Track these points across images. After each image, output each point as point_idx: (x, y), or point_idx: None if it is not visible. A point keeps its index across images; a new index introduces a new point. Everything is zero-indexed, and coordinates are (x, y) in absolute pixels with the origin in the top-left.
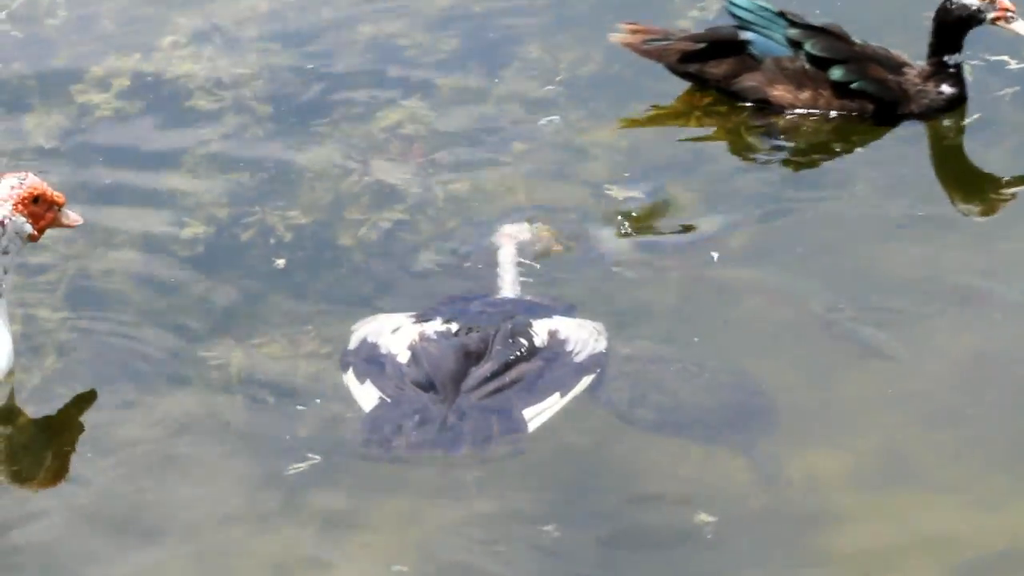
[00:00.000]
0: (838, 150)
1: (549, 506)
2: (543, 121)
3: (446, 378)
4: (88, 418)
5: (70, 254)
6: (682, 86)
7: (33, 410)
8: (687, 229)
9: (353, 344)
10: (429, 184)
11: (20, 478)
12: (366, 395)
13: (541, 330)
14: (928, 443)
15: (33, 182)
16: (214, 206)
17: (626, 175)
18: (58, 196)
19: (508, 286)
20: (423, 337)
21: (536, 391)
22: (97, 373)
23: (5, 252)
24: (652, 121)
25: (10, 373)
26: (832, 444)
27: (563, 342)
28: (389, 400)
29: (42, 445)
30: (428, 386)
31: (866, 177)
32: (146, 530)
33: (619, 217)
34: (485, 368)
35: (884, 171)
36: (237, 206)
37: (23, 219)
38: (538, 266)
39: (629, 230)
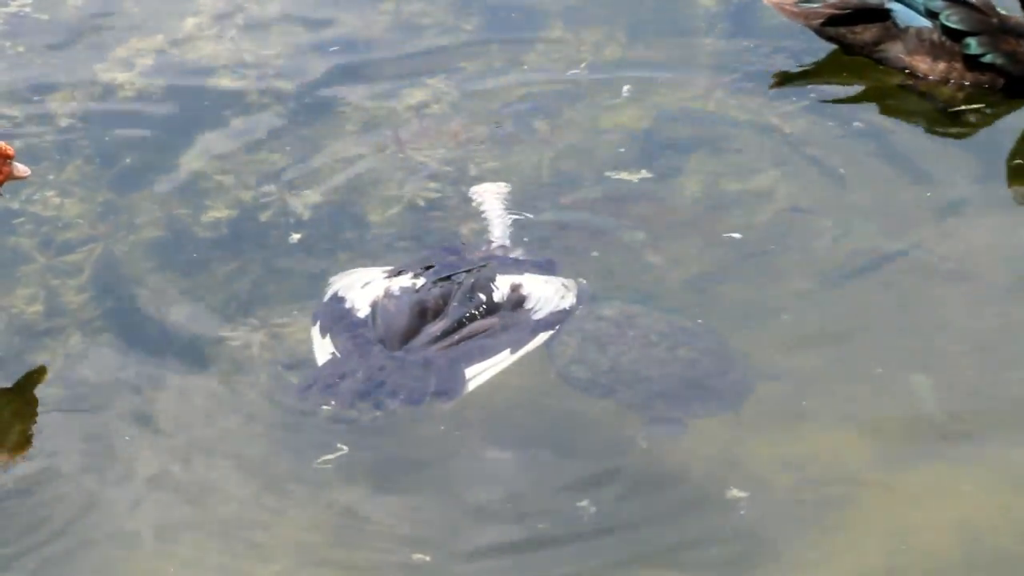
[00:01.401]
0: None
1: (582, 482)
2: (566, 97)
3: (396, 335)
4: (115, 400)
5: (96, 235)
6: (710, 71)
7: (56, 392)
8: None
9: (326, 297)
10: (454, 163)
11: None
12: (322, 349)
13: (503, 286)
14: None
15: None
16: (237, 188)
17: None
18: (10, 149)
19: (498, 236)
20: (387, 293)
21: (485, 349)
22: (122, 354)
23: None
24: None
25: None
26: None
27: (524, 299)
28: (339, 355)
29: (65, 425)
30: (378, 342)
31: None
32: (172, 514)
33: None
34: (438, 326)
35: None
36: (260, 187)
37: None
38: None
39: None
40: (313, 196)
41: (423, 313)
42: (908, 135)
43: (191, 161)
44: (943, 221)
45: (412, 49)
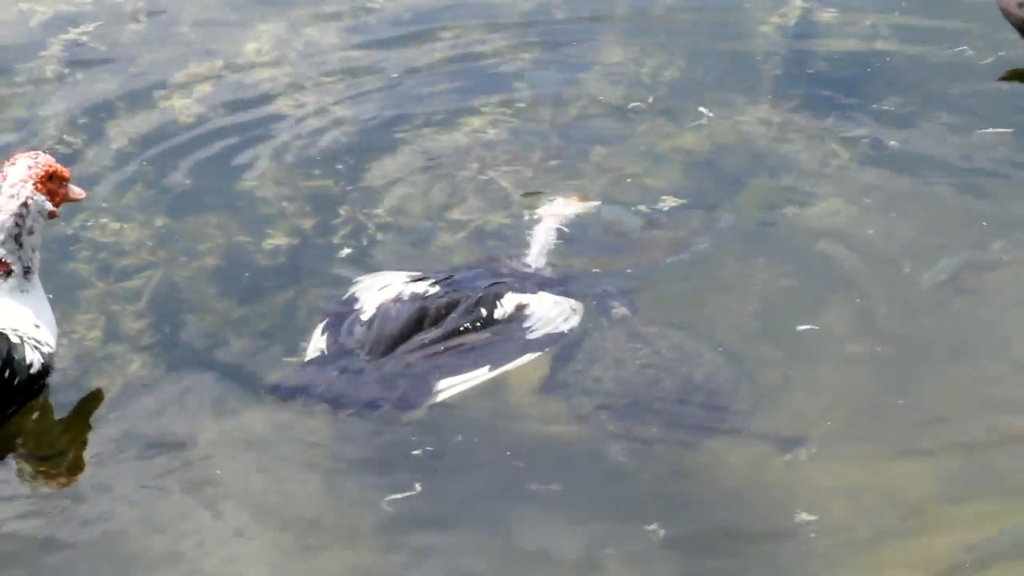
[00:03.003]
0: None
1: (650, 508)
2: (629, 118)
3: (384, 340)
4: (173, 427)
5: (154, 261)
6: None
7: (115, 415)
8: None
9: (345, 296)
10: (509, 187)
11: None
12: (314, 347)
13: (509, 303)
14: None
15: (46, 159)
16: (296, 215)
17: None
18: (65, 171)
19: (534, 256)
20: (396, 298)
21: (466, 363)
22: (180, 381)
23: (31, 232)
24: None
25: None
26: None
27: (524, 317)
28: (325, 354)
29: (121, 451)
30: (363, 346)
31: None
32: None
33: None
34: (430, 334)
35: None
36: (319, 214)
37: (43, 197)
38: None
39: None
40: (372, 222)
41: (420, 321)
42: None
43: (250, 187)
44: (1003, 237)
45: (470, 75)
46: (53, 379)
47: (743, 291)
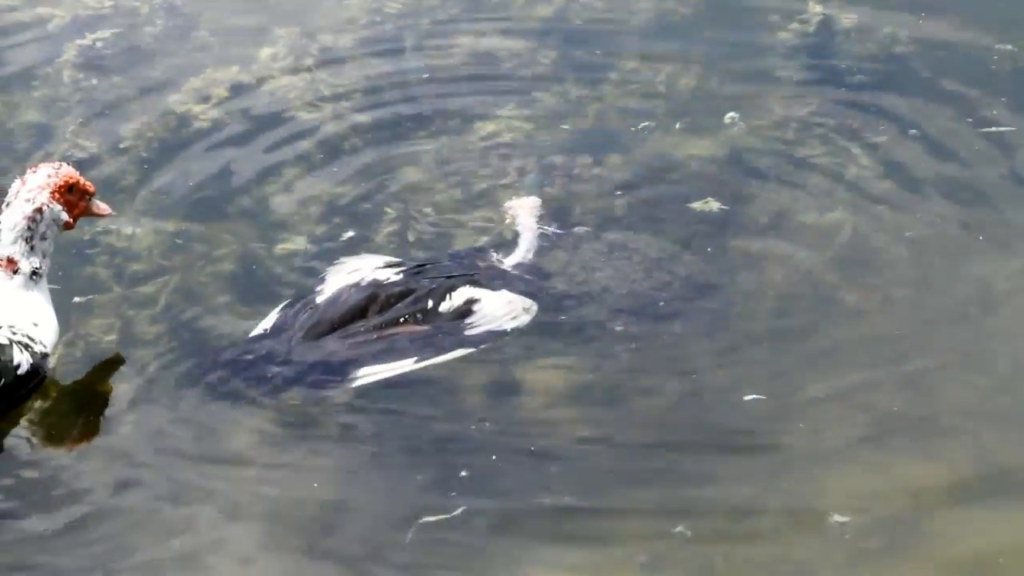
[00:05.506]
0: None
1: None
2: (640, 127)
3: (321, 324)
4: (189, 433)
5: (170, 267)
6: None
7: (133, 418)
8: None
9: (319, 276)
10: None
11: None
12: (261, 324)
13: (459, 297)
14: None
15: (68, 171)
16: (312, 221)
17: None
18: (89, 185)
19: (518, 253)
20: (356, 283)
21: (393, 353)
22: (195, 387)
23: (43, 238)
24: None
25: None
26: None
27: (468, 313)
28: (264, 332)
29: (135, 457)
30: (299, 328)
31: None
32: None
33: None
34: (370, 322)
35: None
36: (335, 220)
37: (59, 207)
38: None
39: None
40: (388, 228)
41: (366, 309)
42: None
43: (266, 193)
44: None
45: (488, 80)
46: (66, 382)
47: (761, 300)
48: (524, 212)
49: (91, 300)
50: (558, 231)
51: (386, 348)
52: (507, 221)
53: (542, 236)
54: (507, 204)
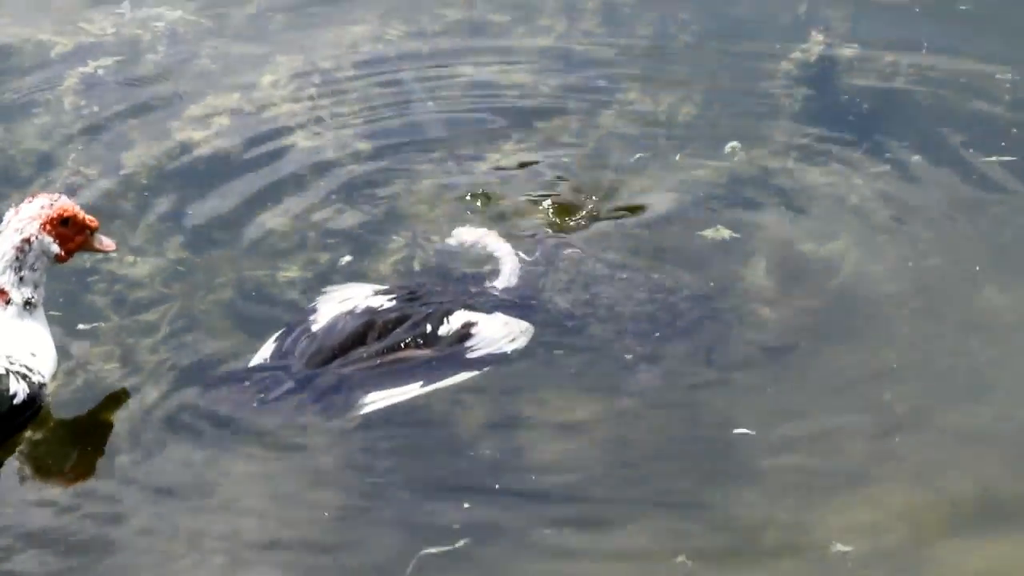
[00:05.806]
0: None
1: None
2: (636, 158)
3: (322, 352)
4: (188, 457)
5: (171, 294)
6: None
7: (130, 449)
8: None
9: (309, 305)
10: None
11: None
12: (260, 354)
13: (456, 321)
14: None
15: (63, 204)
16: (312, 248)
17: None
18: (90, 220)
19: (503, 276)
20: (350, 311)
21: (399, 378)
22: (196, 414)
23: (33, 269)
24: None
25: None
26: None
27: (467, 337)
28: (265, 361)
29: (136, 484)
30: (301, 356)
31: None
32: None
33: None
34: (371, 348)
35: None
36: (335, 248)
37: (50, 239)
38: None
39: None
40: (390, 258)
41: (365, 335)
42: None
43: (266, 220)
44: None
45: (490, 109)
46: (67, 410)
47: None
48: (493, 238)
49: (92, 328)
50: (527, 257)
51: (391, 374)
52: (456, 246)
53: (522, 261)
54: (456, 231)
